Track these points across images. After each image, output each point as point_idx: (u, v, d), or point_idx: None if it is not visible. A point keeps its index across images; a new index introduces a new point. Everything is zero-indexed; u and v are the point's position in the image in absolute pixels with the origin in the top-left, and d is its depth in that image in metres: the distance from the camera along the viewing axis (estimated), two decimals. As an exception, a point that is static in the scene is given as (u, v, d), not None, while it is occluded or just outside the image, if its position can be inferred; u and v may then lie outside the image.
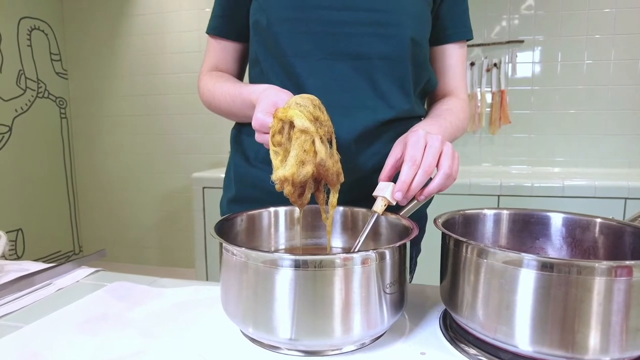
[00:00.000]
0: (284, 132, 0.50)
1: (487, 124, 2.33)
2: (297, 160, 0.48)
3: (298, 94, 0.69)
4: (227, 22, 0.78)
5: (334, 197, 0.55)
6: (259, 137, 0.55)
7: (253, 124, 0.55)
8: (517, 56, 2.26)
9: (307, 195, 0.54)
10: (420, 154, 0.54)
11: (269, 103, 0.55)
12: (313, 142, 0.49)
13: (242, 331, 0.50)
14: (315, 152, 0.49)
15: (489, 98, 2.30)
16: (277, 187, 0.51)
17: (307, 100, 0.51)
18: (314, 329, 0.43)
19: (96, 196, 3.03)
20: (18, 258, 2.55)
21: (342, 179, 0.54)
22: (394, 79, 0.69)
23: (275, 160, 0.51)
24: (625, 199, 1.79)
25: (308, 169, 0.49)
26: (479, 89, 2.30)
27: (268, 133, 0.52)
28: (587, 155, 2.25)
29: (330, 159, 0.51)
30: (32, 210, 2.73)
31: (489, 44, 2.27)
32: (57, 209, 2.93)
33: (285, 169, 0.49)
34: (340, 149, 0.69)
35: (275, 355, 0.45)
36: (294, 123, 0.48)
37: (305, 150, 0.49)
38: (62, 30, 2.91)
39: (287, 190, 0.50)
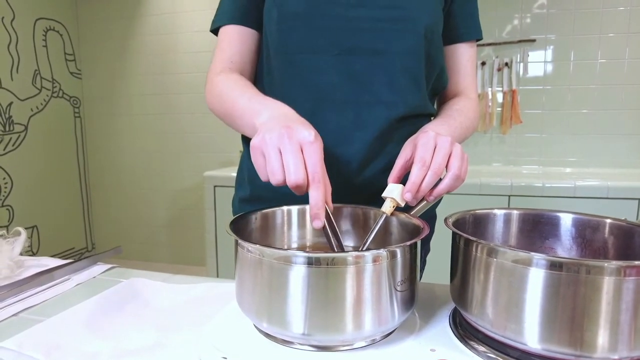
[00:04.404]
0: None
1: (498, 124, 2.32)
2: None
3: (307, 91, 0.69)
4: (247, 11, 0.74)
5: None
6: (260, 167, 0.50)
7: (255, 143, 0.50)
8: (528, 55, 2.24)
9: None
10: (429, 155, 0.54)
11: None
12: None
13: (256, 326, 0.51)
14: None
15: (500, 97, 2.29)
16: None
17: None
18: (326, 325, 0.44)
19: (109, 194, 3.08)
20: (33, 254, 2.60)
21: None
22: (409, 74, 0.70)
23: None
24: (639, 199, 1.77)
25: None
26: (490, 89, 2.28)
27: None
28: (599, 155, 2.23)
29: None
30: (46, 208, 2.78)
31: (500, 43, 2.26)
32: (71, 206, 2.98)
33: None
34: (356, 150, 0.69)
35: (288, 350, 0.47)
36: None
37: None
38: (77, 31, 2.96)
39: None
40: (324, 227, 0.50)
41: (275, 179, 0.48)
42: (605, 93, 2.18)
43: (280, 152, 0.48)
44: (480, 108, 2.28)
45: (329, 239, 0.53)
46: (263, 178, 0.50)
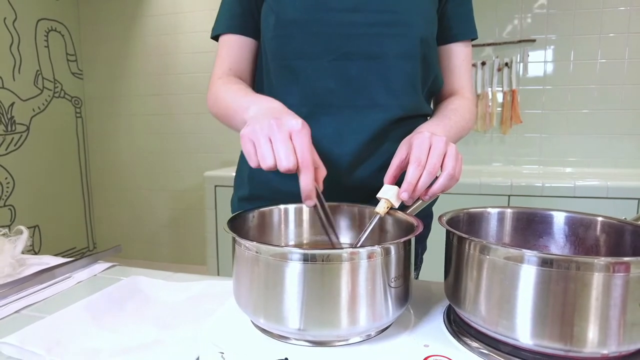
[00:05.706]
0: None
1: (499, 124, 2.32)
2: None
3: (304, 96, 0.71)
4: (244, 20, 0.75)
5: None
6: (250, 154, 0.53)
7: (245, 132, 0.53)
8: (529, 55, 2.24)
9: None
10: (425, 155, 0.55)
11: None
12: None
13: (253, 322, 0.52)
14: None
15: (500, 97, 2.30)
16: None
17: None
18: (321, 320, 0.45)
19: (110, 194, 3.09)
20: (35, 254, 2.61)
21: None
22: (405, 77, 0.71)
23: None
24: (639, 199, 1.78)
25: None
26: (490, 89, 2.29)
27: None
28: (599, 155, 2.23)
29: None
30: (48, 208, 2.80)
31: (500, 43, 2.26)
32: (73, 206, 2.99)
33: None
34: (351, 149, 0.70)
35: (285, 345, 0.47)
36: None
37: None
38: (78, 31, 2.97)
39: None
40: (315, 205, 0.54)
41: (266, 164, 0.51)
42: (605, 93, 2.18)
43: (271, 141, 0.51)
44: (480, 108, 2.29)
45: (319, 216, 0.57)
46: (253, 164, 0.52)
